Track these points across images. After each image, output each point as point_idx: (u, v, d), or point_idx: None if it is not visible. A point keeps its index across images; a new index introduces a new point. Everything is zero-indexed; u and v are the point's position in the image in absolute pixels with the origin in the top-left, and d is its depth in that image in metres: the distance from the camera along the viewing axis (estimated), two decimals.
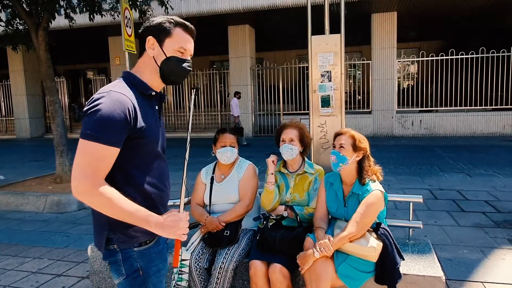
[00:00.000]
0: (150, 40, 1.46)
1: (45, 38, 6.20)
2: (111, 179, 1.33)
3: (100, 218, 1.38)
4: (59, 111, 6.42)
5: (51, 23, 6.36)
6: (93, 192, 1.26)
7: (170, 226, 1.37)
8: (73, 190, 1.28)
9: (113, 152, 1.31)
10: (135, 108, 1.36)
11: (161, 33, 1.46)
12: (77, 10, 7.07)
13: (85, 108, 1.33)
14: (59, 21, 8.16)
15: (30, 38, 6.37)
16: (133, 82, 1.45)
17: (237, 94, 12.19)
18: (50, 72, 6.35)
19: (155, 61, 1.47)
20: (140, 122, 1.37)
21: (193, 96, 1.67)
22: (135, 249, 1.44)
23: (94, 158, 1.27)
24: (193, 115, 1.64)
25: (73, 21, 7.31)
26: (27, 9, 6.26)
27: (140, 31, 1.51)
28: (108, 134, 1.28)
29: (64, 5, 6.85)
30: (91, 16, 6.98)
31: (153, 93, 1.50)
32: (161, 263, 1.53)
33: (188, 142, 1.59)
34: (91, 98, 1.34)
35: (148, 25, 1.48)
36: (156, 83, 1.51)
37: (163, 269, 1.54)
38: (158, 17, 1.51)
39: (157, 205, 1.48)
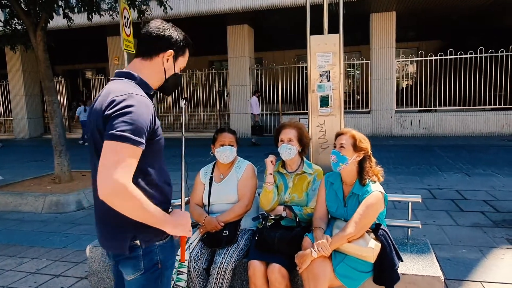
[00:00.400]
0: (169, 53, 1.51)
1: (43, 38, 6.18)
2: (133, 181, 1.33)
3: (121, 221, 1.37)
4: (57, 111, 6.40)
5: (49, 23, 6.35)
6: (127, 194, 1.25)
7: (182, 224, 1.45)
8: (104, 192, 1.24)
9: (140, 153, 1.32)
10: (153, 110, 1.41)
11: (180, 50, 1.54)
12: (76, 10, 7.06)
13: (109, 111, 1.31)
14: (58, 21, 8.17)
15: (29, 38, 6.35)
16: (138, 82, 1.46)
17: (257, 93, 12.18)
18: (48, 72, 6.33)
19: (165, 73, 1.54)
20: (157, 123, 1.42)
21: (183, 107, 1.76)
22: (157, 243, 1.46)
23: (127, 159, 1.27)
24: (185, 127, 1.71)
25: (71, 21, 7.29)
26: (25, 9, 6.24)
27: (157, 34, 1.49)
28: (139, 136, 1.30)
29: (63, 5, 6.84)
30: (90, 16, 6.96)
31: (152, 93, 1.53)
32: (174, 257, 1.59)
33: (182, 153, 1.65)
34: (112, 99, 1.33)
35: (170, 37, 1.50)
36: (153, 85, 1.54)
37: (174, 262, 1.59)
38: (171, 27, 1.52)
39: (170, 201, 1.54)
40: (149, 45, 1.50)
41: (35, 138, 16.41)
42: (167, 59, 1.51)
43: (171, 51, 1.51)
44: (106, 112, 1.31)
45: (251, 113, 12.15)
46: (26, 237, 4.46)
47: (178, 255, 2.52)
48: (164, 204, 1.46)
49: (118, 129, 1.26)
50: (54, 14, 6.34)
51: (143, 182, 1.39)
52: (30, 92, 16.41)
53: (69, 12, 7.02)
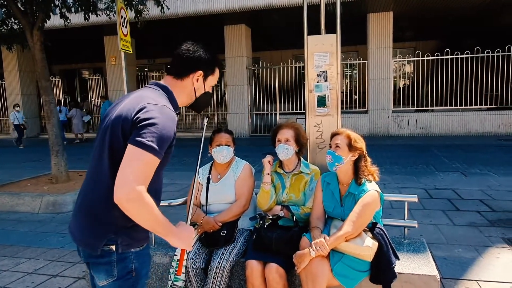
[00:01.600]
0: (198, 73, 1.57)
1: (40, 37, 6.16)
2: None
3: (104, 219, 1.39)
4: (54, 111, 6.39)
5: (46, 23, 6.33)
6: (142, 202, 1.28)
7: (186, 237, 1.47)
8: (121, 196, 1.27)
9: (157, 164, 1.36)
10: (176, 127, 1.44)
11: (209, 69, 1.61)
12: (72, 9, 7.04)
13: (139, 115, 1.34)
14: (54, 21, 8.15)
15: (25, 37, 6.33)
16: (170, 99, 1.50)
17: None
18: (45, 71, 6.31)
19: (195, 92, 1.60)
20: (174, 140, 1.45)
21: (205, 124, 1.82)
22: (133, 249, 1.44)
23: (148, 168, 1.31)
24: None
25: (68, 21, 7.27)
26: (22, 9, 6.22)
27: (187, 56, 1.54)
28: (162, 148, 1.34)
29: (59, 4, 6.81)
30: (86, 15, 6.94)
31: (177, 112, 1.55)
32: (149, 266, 1.57)
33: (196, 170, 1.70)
34: (144, 106, 1.36)
35: (200, 58, 1.56)
36: (180, 104, 1.60)
37: (148, 271, 1.57)
38: (200, 48, 1.58)
39: None
40: (179, 67, 1.57)
41: (32, 138, 16.32)
42: (197, 79, 1.57)
43: (200, 71, 1.57)
44: (136, 116, 1.34)
45: None
46: (23, 238, 4.45)
47: (176, 254, 2.54)
48: None
49: (147, 138, 1.30)
50: (51, 13, 6.31)
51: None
52: (27, 92, 16.33)
53: (66, 12, 6.99)
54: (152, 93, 1.46)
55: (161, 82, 1.57)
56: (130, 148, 1.30)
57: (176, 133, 1.44)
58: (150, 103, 1.38)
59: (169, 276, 2.49)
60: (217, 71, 1.65)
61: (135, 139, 1.30)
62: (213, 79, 1.64)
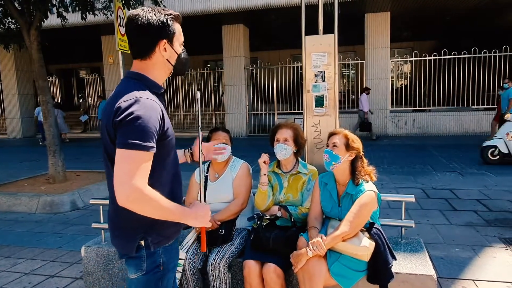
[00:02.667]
0: (163, 43, 1.44)
1: (37, 37, 6.14)
2: None
3: (130, 223, 1.42)
4: (52, 110, 6.36)
5: (43, 22, 6.30)
6: (144, 198, 1.29)
7: (202, 216, 1.49)
8: (122, 199, 1.29)
9: (152, 156, 1.35)
10: (162, 112, 1.40)
11: (169, 32, 1.45)
12: (70, 9, 7.01)
13: (117, 118, 1.32)
14: (52, 20, 8.13)
15: (22, 37, 6.31)
16: (146, 84, 1.45)
17: (367, 90, 11.97)
18: (42, 71, 6.29)
19: (169, 62, 1.49)
20: (166, 124, 1.42)
21: (198, 97, 1.75)
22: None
23: (140, 165, 1.30)
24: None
25: (65, 20, 7.24)
26: (19, 8, 6.20)
27: (139, 33, 1.42)
28: (149, 141, 1.32)
29: (57, 4, 6.79)
30: (84, 15, 6.92)
31: (162, 91, 1.52)
32: (177, 259, 1.61)
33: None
34: (119, 106, 1.33)
35: (153, 27, 1.41)
36: (161, 80, 1.53)
37: (176, 265, 1.61)
38: (148, 13, 1.41)
39: (179, 198, 1.55)
40: (139, 47, 1.45)
41: (29, 137, 16.27)
42: (164, 49, 1.45)
43: (163, 40, 1.44)
44: (115, 119, 1.33)
45: (361, 110, 11.76)
46: (20, 238, 4.43)
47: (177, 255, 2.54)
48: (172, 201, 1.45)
49: (128, 137, 1.29)
50: (48, 13, 6.29)
51: (153, 184, 1.38)
52: (24, 92, 16.26)
53: (63, 11, 6.97)
54: (125, 87, 1.40)
55: (132, 69, 1.48)
56: (118, 152, 1.31)
57: (164, 117, 1.39)
58: (123, 100, 1.34)
59: (173, 278, 2.49)
60: (178, 27, 1.48)
61: (120, 142, 1.31)
62: (179, 38, 1.49)
